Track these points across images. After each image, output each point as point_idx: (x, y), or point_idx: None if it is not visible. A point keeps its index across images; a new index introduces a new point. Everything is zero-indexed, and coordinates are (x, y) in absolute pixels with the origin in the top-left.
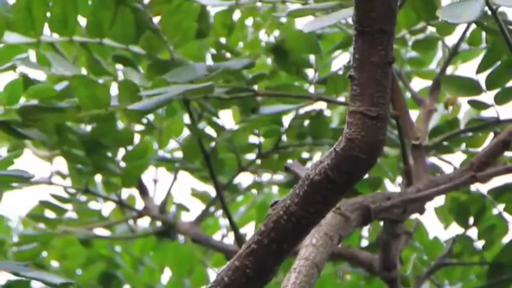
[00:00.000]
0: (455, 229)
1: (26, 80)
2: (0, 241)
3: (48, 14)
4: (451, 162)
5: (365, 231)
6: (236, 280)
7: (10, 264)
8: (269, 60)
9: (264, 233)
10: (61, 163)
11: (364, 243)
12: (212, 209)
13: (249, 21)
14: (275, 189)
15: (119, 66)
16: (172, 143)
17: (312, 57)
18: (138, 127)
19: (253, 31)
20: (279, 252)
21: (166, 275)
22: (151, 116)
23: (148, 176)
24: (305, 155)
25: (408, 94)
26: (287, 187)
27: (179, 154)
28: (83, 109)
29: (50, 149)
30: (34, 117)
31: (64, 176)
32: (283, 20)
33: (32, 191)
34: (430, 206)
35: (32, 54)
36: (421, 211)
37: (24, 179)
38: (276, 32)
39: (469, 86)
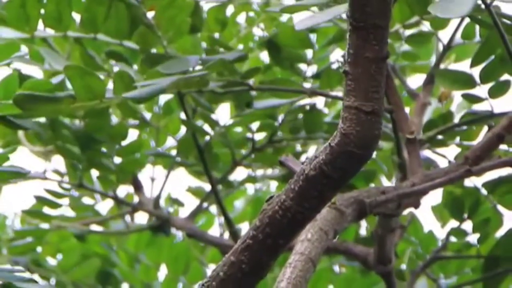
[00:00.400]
0: (451, 226)
1: (20, 76)
2: None
3: (42, 11)
4: (446, 155)
5: (363, 229)
6: (231, 275)
7: (3, 272)
8: (262, 55)
9: (259, 228)
10: (58, 160)
11: None
12: (206, 204)
13: (242, 16)
14: (273, 185)
15: (113, 63)
16: (169, 142)
17: (306, 52)
18: (133, 123)
19: (246, 26)
20: (275, 247)
21: (162, 272)
22: (148, 115)
23: (145, 174)
24: (299, 149)
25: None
26: (282, 182)
27: (175, 152)
28: (78, 100)
29: (44, 145)
30: (30, 107)
31: (62, 175)
32: (278, 14)
33: (27, 187)
34: (426, 202)
35: (25, 50)
36: (416, 205)
37: (20, 175)
38: (272, 28)
39: (463, 80)
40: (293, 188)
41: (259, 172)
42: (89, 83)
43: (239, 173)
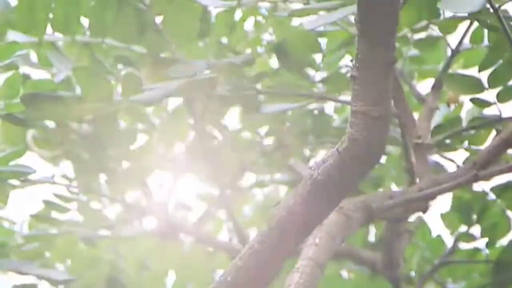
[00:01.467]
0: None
1: (25, 78)
2: (2, 243)
3: (51, 15)
4: (454, 159)
5: (371, 234)
6: (239, 280)
7: (13, 263)
8: (270, 60)
9: (266, 234)
10: (66, 166)
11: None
12: (214, 209)
13: (250, 20)
14: (282, 190)
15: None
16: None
17: (315, 56)
18: (141, 128)
19: (254, 30)
20: (282, 252)
21: (170, 277)
22: (156, 120)
23: (153, 180)
24: (308, 153)
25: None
26: (291, 187)
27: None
28: (86, 102)
29: (53, 149)
30: (37, 106)
31: (70, 180)
32: (287, 19)
33: (34, 193)
34: (434, 207)
35: (33, 55)
36: (424, 210)
37: (25, 175)
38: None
39: (471, 84)
40: (301, 192)
41: (268, 177)
42: (97, 85)
43: (248, 178)
